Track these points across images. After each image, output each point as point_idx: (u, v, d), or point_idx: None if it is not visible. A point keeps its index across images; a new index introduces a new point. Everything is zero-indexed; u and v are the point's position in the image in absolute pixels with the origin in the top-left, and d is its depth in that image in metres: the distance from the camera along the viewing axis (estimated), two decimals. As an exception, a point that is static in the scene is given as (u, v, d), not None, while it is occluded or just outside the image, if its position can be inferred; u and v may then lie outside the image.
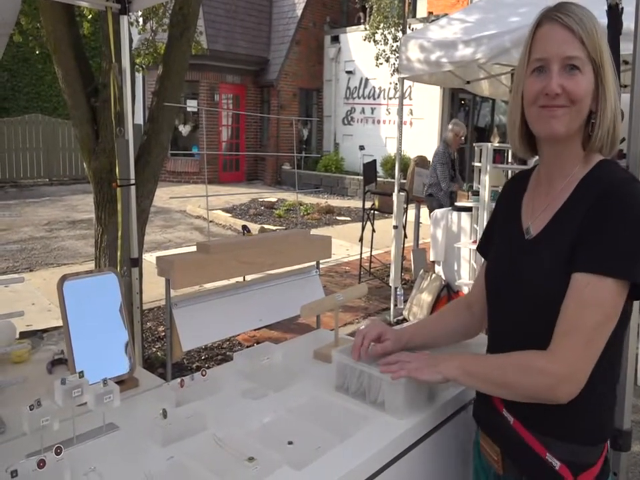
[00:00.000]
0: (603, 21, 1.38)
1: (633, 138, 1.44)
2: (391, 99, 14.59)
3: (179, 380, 1.32)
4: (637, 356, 3.81)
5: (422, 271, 5.37)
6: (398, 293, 5.18)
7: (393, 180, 5.36)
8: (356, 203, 11.53)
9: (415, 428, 1.24)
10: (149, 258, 5.58)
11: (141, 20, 6.45)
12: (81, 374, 1.18)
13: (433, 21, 8.03)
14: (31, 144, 14.12)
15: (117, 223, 2.92)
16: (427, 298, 5.07)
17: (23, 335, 1.85)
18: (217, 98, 14.73)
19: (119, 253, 2.91)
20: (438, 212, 5.57)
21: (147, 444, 1.15)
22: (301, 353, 1.66)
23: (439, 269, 5.53)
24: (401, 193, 5.16)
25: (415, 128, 13.78)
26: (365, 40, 12.28)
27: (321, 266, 2.38)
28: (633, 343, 1.33)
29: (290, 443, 1.14)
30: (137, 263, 2.98)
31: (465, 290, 4.99)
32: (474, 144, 5.16)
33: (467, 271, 5.13)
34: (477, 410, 1.26)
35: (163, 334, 4.45)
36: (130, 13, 2.88)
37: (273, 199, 11.61)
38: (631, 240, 1.00)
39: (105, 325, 1.50)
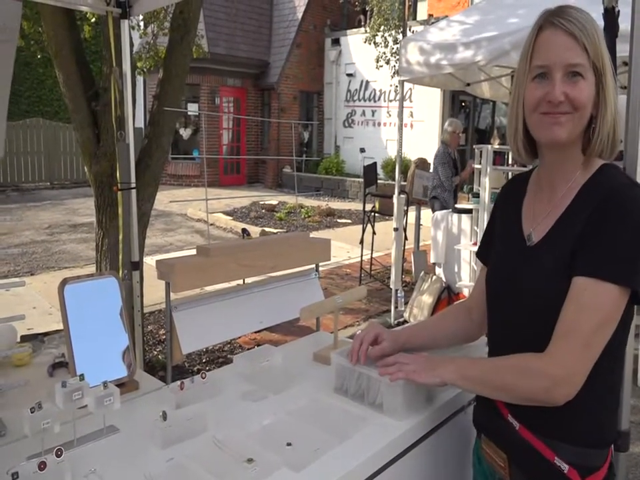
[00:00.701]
0: (600, 23, 1.39)
1: (629, 140, 1.44)
2: (391, 101, 14.61)
3: (178, 382, 1.33)
4: (636, 357, 3.80)
5: (422, 273, 5.38)
6: (399, 295, 5.18)
7: (393, 182, 5.36)
8: (357, 206, 11.54)
9: (413, 429, 1.25)
10: (150, 261, 5.59)
11: (142, 24, 6.48)
12: (82, 377, 1.19)
13: (433, 23, 8.05)
14: (32, 148, 14.15)
15: (117, 227, 2.93)
16: (427, 300, 5.07)
17: (24, 338, 1.86)
18: (217, 101, 14.77)
19: (119, 257, 2.92)
20: (438, 214, 5.58)
21: (146, 446, 1.16)
22: (301, 355, 1.67)
23: (439, 271, 5.53)
24: (402, 195, 5.17)
25: (415, 130, 13.79)
26: (365, 42, 12.30)
27: (321, 268, 2.39)
28: (630, 344, 1.33)
29: (289, 444, 1.15)
30: (137, 266, 2.99)
31: (466, 292, 4.99)
32: (474, 146, 5.17)
33: (468, 272, 5.14)
34: (479, 417, 1.25)
35: (164, 337, 4.46)
36: (131, 17, 2.89)
37: (274, 202, 11.62)
38: (631, 245, 1.00)
39: (106, 329, 1.51)
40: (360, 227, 6.78)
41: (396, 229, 5.08)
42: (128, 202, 2.87)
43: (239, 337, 4.56)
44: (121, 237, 2.89)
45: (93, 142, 3.46)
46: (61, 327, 1.47)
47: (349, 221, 10.48)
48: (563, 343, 1.03)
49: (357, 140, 15.69)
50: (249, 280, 2.21)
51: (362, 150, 15.16)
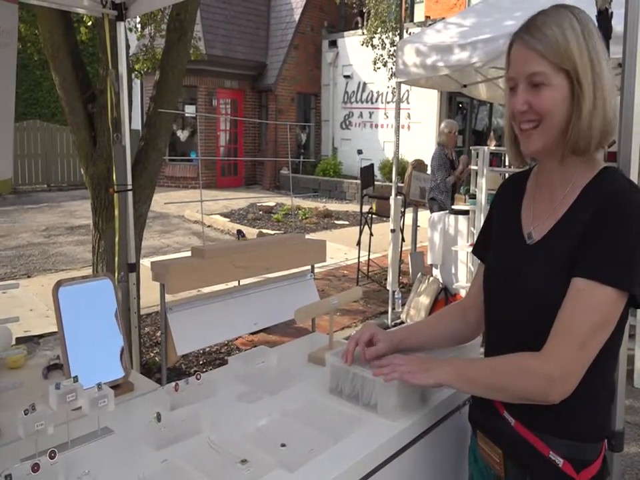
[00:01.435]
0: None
1: (623, 140, 1.45)
2: (388, 103, 14.63)
3: (173, 384, 1.33)
4: (630, 357, 3.79)
5: (419, 274, 5.39)
6: (396, 296, 5.19)
7: (390, 184, 5.37)
8: (354, 207, 11.55)
9: (408, 429, 1.25)
10: (147, 263, 5.58)
11: (139, 26, 6.48)
12: (75, 378, 1.19)
13: (430, 25, 8.06)
14: (29, 150, 14.14)
15: (114, 229, 2.93)
16: (424, 301, 5.08)
17: (20, 340, 1.86)
18: (215, 103, 14.77)
19: (116, 259, 2.92)
20: (435, 215, 5.59)
21: (141, 447, 1.16)
22: (296, 356, 1.67)
23: (436, 272, 5.54)
24: (399, 197, 5.18)
25: (412, 132, 13.81)
26: (362, 44, 12.32)
27: (318, 270, 2.40)
28: (624, 344, 1.33)
29: (283, 445, 1.15)
30: (134, 268, 2.99)
31: (463, 293, 5.00)
32: (471, 147, 5.18)
33: (465, 273, 5.15)
34: (475, 414, 1.26)
35: (161, 339, 4.46)
36: (127, 20, 2.89)
37: (272, 204, 11.62)
38: (631, 249, 1.00)
39: (101, 330, 1.50)
40: (357, 228, 6.79)
41: (393, 231, 5.09)
42: (124, 204, 2.87)
43: (236, 339, 4.56)
44: (117, 238, 2.89)
45: (89, 144, 3.46)
46: (56, 329, 1.47)
47: (346, 223, 10.49)
48: (559, 343, 1.03)
49: (354, 141, 15.70)
50: (244, 281, 2.21)
51: (359, 151, 15.18)
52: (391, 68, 11.36)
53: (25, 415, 1.07)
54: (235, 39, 14.79)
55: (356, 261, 6.54)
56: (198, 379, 1.37)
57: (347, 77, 15.80)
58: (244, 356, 1.57)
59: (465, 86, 5.84)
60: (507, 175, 4.54)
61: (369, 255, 6.47)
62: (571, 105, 1.07)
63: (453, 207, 5.60)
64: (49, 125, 14.70)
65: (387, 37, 11.82)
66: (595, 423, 1.11)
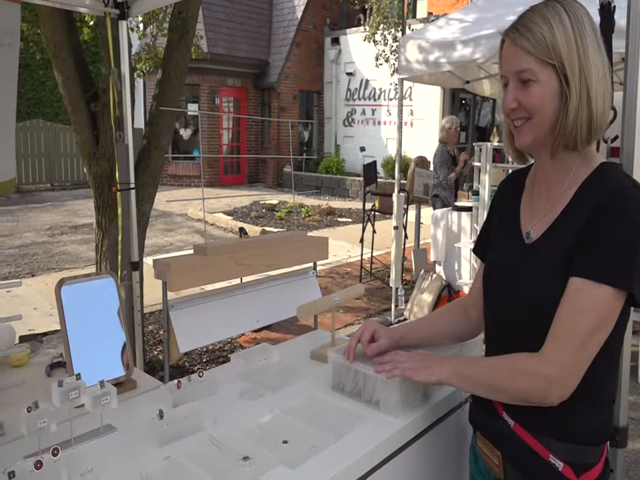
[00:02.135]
0: (596, 19, 1.38)
1: (626, 135, 1.44)
2: (391, 99, 14.61)
3: (175, 381, 1.33)
4: (635, 353, 3.78)
5: (423, 271, 5.38)
6: (399, 293, 5.18)
7: (393, 181, 5.36)
8: (357, 204, 11.55)
9: (410, 426, 1.25)
10: (150, 261, 5.60)
11: (141, 25, 6.48)
12: (78, 376, 1.19)
13: (432, 21, 8.04)
14: (33, 150, 14.17)
15: (117, 227, 2.94)
16: (427, 298, 5.07)
17: (23, 338, 1.86)
18: (217, 101, 14.77)
19: (119, 257, 2.93)
20: (438, 212, 5.58)
21: (143, 444, 1.16)
22: (298, 353, 1.67)
23: (439, 269, 5.53)
24: (401, 194, 5.17)
25: (415, 128, 13.79)
26: (364, 40, 12.30)
27: (322, 267, 2.40)
28: (628, 341, 1.33)
29: (285, 442, 1.15)
30: (137, 266, 2.99)
31: (466, 290, 4.99)
32: (474, 143, 5.16)
33: (468, 270, 5.14)
34: (475, 414, 1.25)
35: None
36: (129, 18, 2.89)
37: (274, 201, 11.62)
38: (629, 248, 0.99)
39: (103, 328, 1.51)
40: (360, 225, 6.78)
41: (396, 228, 5.08)
42: (127, 202, 2.88)
43: (239, 337, 4.57)
44: (120, 237, 2.90)
45: (91, 143, 3.47)
46: (60, 327, 1.48)
47: (349, 220, 10.49)
48: (557, 344, 1.02)
49: (357, 139, 15.68)
50: (246, 279, 2.21)
51: (362, 149, 15.12)
52: (394, 64, 11.35)
53: (28, 412, 1.07)
54: (237, 37, 14.78)
55: (359, 258, 6.53)
56: (200, 376, 1.37)
57: (349, 74, 15.78)
58: (246, 353, 1.57)
59: (467, 82, 5.82)
60: (510, 171, 4.53)
61: (371, 252, 6.47)
62: (561, 100, 1.06)
63: (455, 203, 5.59)
64: (52, 125, 14.73)
65: (389, 33, 11.80)
66: (594, 425, 1.10)
